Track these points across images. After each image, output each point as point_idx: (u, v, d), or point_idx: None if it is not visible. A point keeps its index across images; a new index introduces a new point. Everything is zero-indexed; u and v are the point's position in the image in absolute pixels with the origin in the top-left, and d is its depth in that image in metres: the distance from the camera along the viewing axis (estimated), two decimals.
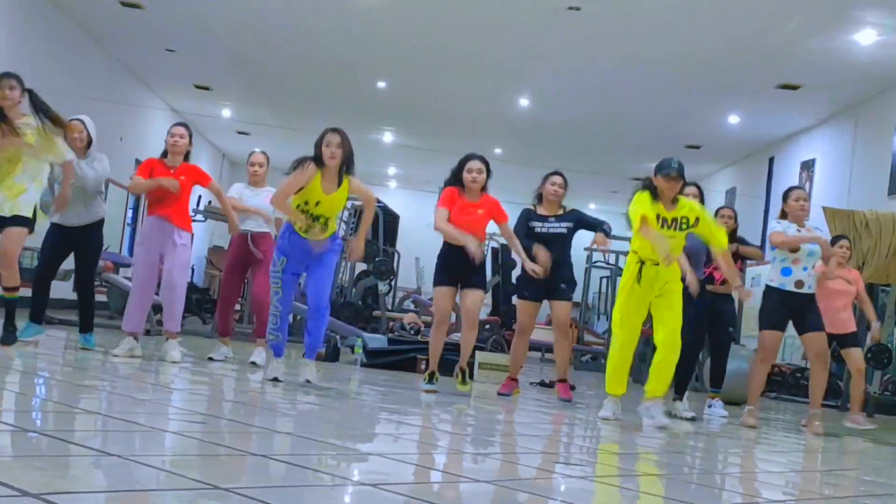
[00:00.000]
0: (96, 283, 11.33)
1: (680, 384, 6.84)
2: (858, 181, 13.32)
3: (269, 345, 6.03)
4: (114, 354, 6.38)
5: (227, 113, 19.09)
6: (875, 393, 10.28)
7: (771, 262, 6.79)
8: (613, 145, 17.71)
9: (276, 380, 5.74)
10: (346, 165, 5.70)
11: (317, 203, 5.64)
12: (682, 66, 12.84)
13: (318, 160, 5.61)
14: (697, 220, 5.62)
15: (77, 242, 6.71)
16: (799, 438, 6.32)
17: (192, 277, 19.90)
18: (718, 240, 5.74)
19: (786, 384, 11.49)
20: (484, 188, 6.53)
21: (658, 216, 5.55)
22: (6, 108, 5.88)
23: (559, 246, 6.75)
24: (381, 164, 22.89)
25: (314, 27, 12.91)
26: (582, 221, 6.94)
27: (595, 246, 7.02)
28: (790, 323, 6.74)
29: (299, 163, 5.61)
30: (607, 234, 6.91)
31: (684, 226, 5.61)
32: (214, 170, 22.78)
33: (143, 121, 17.67)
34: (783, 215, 6.81)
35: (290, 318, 11.22)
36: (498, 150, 19.10)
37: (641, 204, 5.52)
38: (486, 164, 6.54)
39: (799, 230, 6.64)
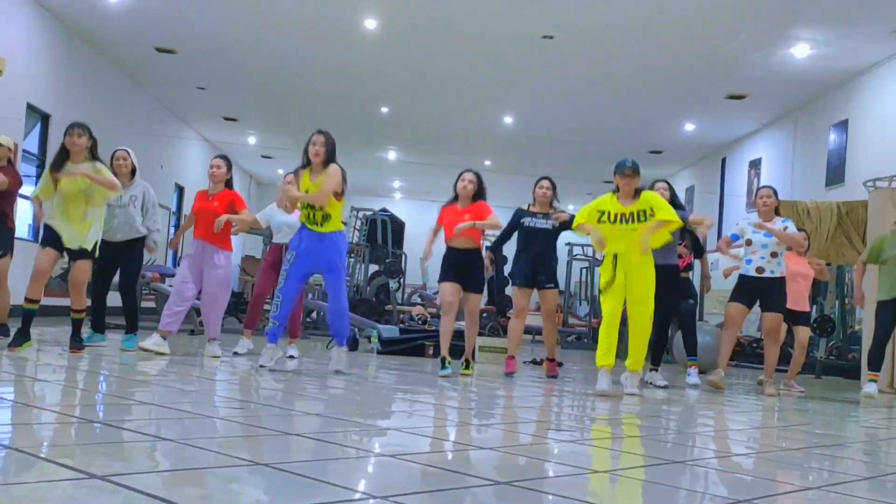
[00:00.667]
0: (145, 291, 11.36)
1: (655, 357, 6.86)
2: (799, 176, 13.34)
3: (265, 330, 5.82)
4: (140, 347, 6.31)
5: (252, 140, 19.10)
6: (821, 358, 10.29)
7: (741, 255, 6.85)
8: (586, 153, 17.74)
9: (262, 367, 5.66)
10: (330, 159, 5.72)
11: (306, 192, 5.68)
12: (644, 82, 12.85)
13: (306, 163, 5.74)
14: (652, 209, 5.58)
15: (120, 255, 6.69)
16: (757, 400, 6.32)
17: None
18: (671, 222, 5.63)
19: (744, 353, 11.52)
20: (478, 196, 6.47)
21: (610, 213, 5.63)
22: (74, 152, 5.89)
23: (544, 240, 6.71)
24: (387, 179, 22.91)
25: (325, 63, 12.94)
26: (564, 225, 6.79)
27: (554, 216, 6.88)
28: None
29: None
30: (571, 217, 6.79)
31: (642, 217, 5.58)
32: (243, 191, 22.76)
33: (180, 150, 17.69)
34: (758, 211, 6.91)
35: (311, 315, 11.20)
36: (487, 162, 19.10)
37: (584, 212, 5.79)
38: (479, 176, 6.53)
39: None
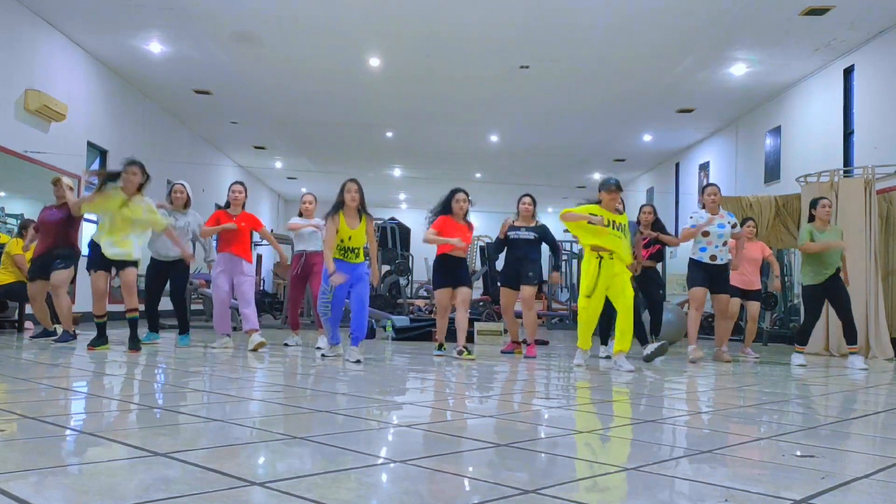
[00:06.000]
0: (195, 296, 11.33)
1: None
2: (742, 175, 13.33)
3: (330, 342, 6.15)
4: (212, 347, 6.50)
5: (279, 165, 19.09)
6: (767, 328, 10.28)
7: (693, 242, 6.81)
8: (561, 163, 17.74)
9: (323, 356, 5.98)
10: (362, 205, 5.82)
11: (349, 238, 5.72)
12: (607, 102, 12.84)
13: (340, 204, 5.73)
14: (623, 226, 5.75)
15: (169, 271, 6.79)
16: (714, 366, 6.30)
17: (262, 286, 19.80)
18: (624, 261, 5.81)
19: (701, 328, 11.50)
20: (466, 214, 6.56)
21: (604, 218, 5.65)
22: (127, 187, 5.76)
23: (528, 247, 6.74)
24: (394, 192, 22.92)
25: (337, 97, 12.93)
26: (545, 236, 6.83)
27: (550, 281, 7.17)
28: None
29: (326, 216, 5.82)
30: (559, 269, 7.01)
31: (624, 229, 5.74)
32: (272, 208, 22.70)
33: (218, 175, 17.69)
34: (704, 205, 6.86)
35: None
36: (478, 175, 19.10)
37: (581, 214, 5.69)
38: (468, 195, 6.59)
39: (712, 217, 6.70)
